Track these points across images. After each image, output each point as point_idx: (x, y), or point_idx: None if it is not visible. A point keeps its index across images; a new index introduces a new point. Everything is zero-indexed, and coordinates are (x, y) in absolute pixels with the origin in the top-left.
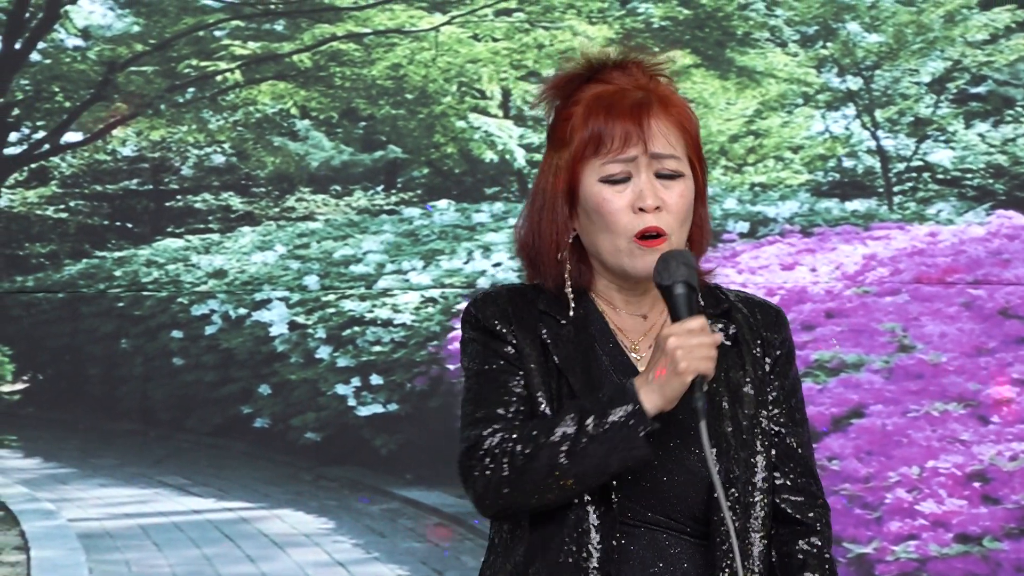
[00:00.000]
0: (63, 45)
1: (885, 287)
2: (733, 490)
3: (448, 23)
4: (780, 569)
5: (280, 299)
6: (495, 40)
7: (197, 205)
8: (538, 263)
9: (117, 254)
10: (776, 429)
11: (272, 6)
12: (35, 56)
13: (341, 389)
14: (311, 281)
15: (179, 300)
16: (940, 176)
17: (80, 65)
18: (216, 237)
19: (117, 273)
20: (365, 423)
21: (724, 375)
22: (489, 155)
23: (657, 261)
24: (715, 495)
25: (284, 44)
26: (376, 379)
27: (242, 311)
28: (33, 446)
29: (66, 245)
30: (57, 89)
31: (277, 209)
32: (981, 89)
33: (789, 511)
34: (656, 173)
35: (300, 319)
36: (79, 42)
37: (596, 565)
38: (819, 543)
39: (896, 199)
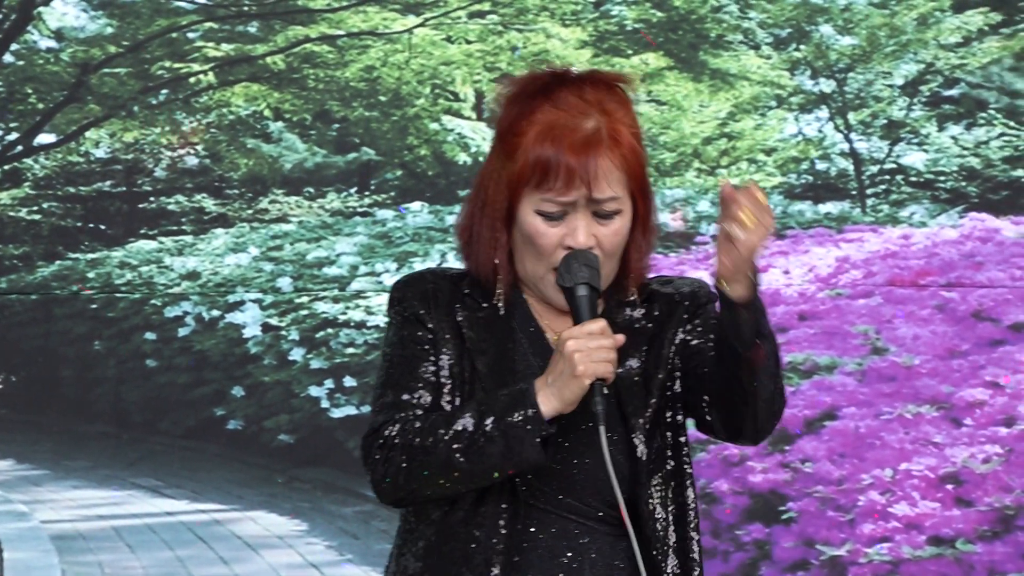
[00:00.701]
0: (36, 47)
1: (858, 289)
2: (649, 473)
3: (421, 25)
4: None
5: (253, 301)
6: (468, 42)
7: (170, 207)
8: (471, 255)
9: (90, 256)
10: (707, 346)
11: (245, 8)
12: (8, 58)
13: (314, 391)
14: (284, 283)
15: (152, 302)
16: (913, 179)
17: (53, 67)
18: (189, 239)
19: (90, 275)
20: (338, 425)
21: (642, 359)
22: (463, 157)
23: (560, 263)
24: (639, 484)
25: (257, 46)
26: (350, 381)
27: (215, 313)
28: (6, 448)
29: (39, 247)
30: (30, 91)
31: (250, 211)
32: (954, 92)
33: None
34: (593, 212)
35: (273, 321)
36: (52, 43)
37: (502, 549)
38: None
39: (869, 202)
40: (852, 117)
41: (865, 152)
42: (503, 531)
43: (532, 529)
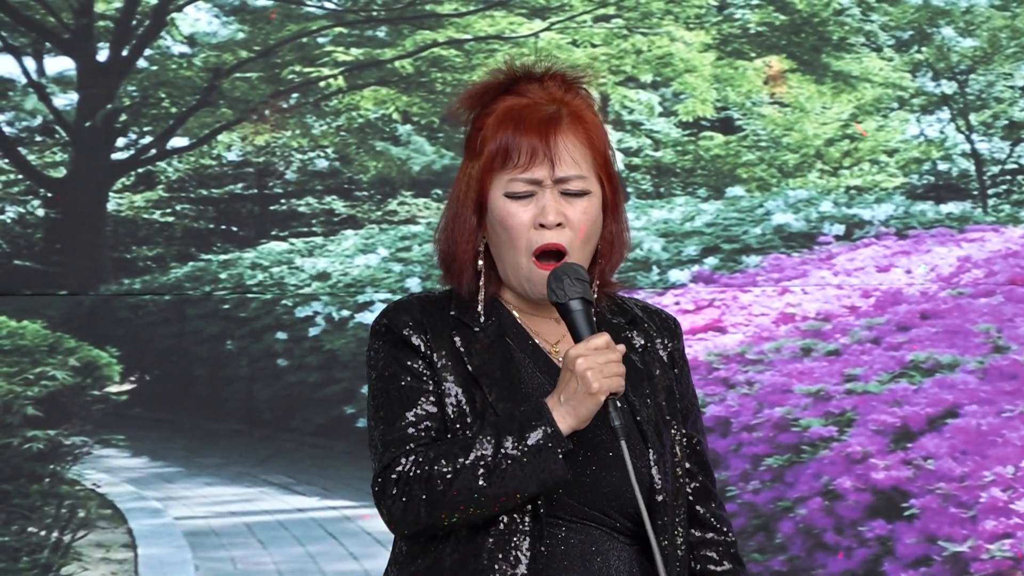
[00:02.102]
0: (169, 52)
1: (979, 288)
2: (663, 495)
3: (547, 29)
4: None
5: (382, 301)
6: (594, 46)
7: (301, 209)
8: (453, 268)
9: (222, 257)
10: (693, 435)
11: (374, 13)
12: (142, 63)
13: None
14: (413, 283)
15: (283, 302)
16: None
17: (186, 71)
18: (319, 240)
19: (222, 276)
20: None
21: (644, 381)
22: None
23: (548, 278)
24: (655, 497)
25: (386, 50)
26: None
27: (345, 313)
28: (140, 445)
29: (172, 248)
30: (163, 95)
31: (379, 212)
32: None
33: (707, 517)
34: (562, 192)
35: None
36: (185, 49)
37: (527, 562)
38: (733, 551)
39: (990, 201)
40: (973, 118)
41: (986, 152)
42: (526, 550)
43: (559, 537)
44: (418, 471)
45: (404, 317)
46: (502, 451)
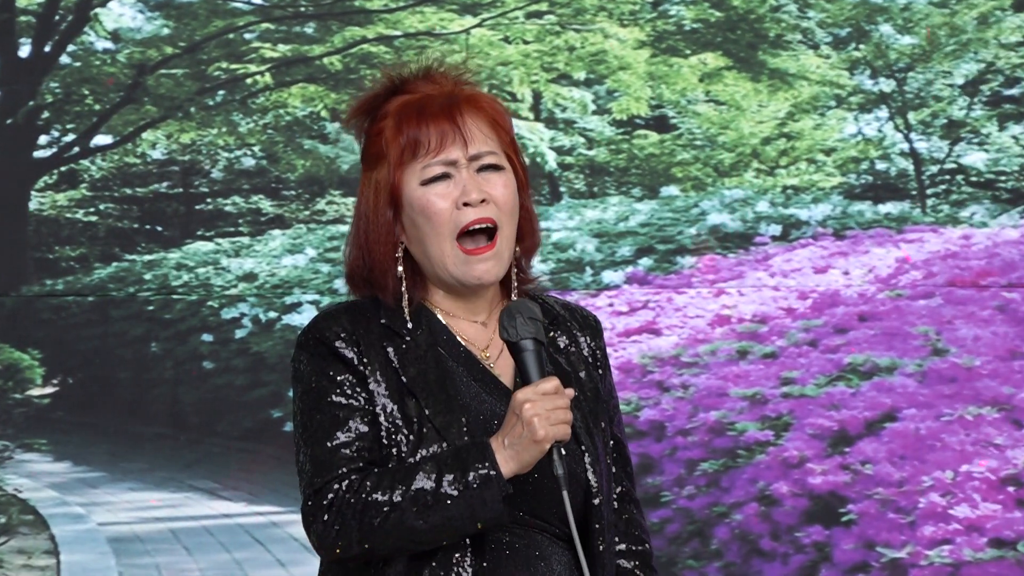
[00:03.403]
0: (93, 48)
1: (918, 290)
2: (599, 498)
3: (479, 26)
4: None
5: (311, 302)
6: (526, 43)
7: (227, 208)
8: (373, 281)
9: (147, 257)
10: (616, 436)
11: (302, 9)
12: (65, 59)
13: None
14: (341, 284)
15: (209, 303)
16: (974, 179)
17: (110, 68)
18: (246, 240)
19: (147, 276)
20: None
21: (572, 384)
22: None
23: (501, 314)
24: (592, 500)
25: (314, 47)
26: None
27: (272, 314)
28: (63, 450)
29: (96, 248)
30: (87, 92)
31: (307, 212)
32: (1015, 91)
33: (628, 526)
34: (477, 168)
35: None
36: (109, 45)
37: (472, 571)
38: (651, 561)
39: (929, 202)
40: (912, 117)
41: (925, 152)
42: (470, 563)
43: (504, 542)
44: (353, 500)
45: (334, 328)
46: (442, 489)
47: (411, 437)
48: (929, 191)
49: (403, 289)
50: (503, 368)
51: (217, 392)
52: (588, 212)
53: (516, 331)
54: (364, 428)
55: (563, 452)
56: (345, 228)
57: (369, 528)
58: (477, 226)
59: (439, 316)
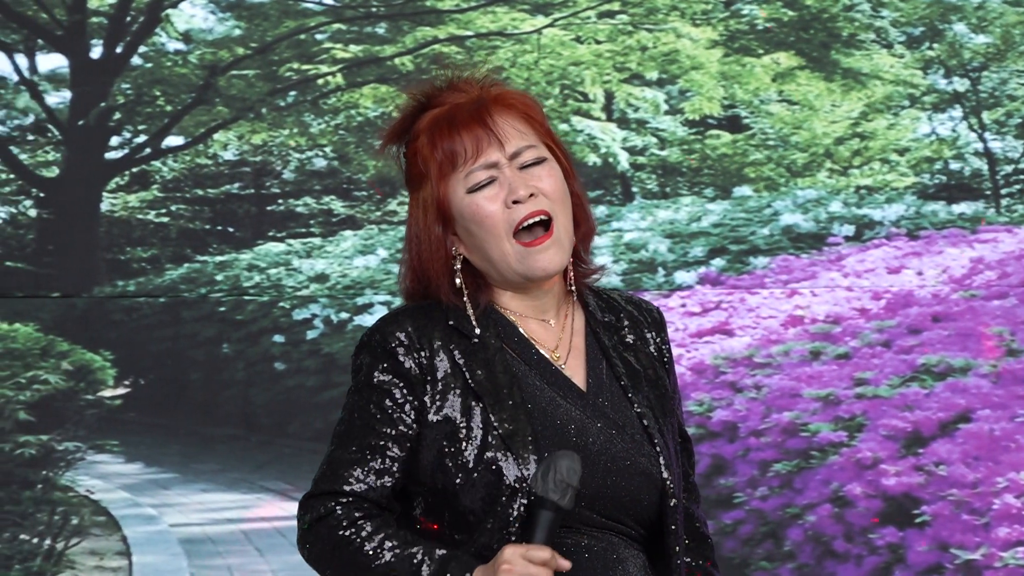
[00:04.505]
0: (164, 49)
1: (992, 290)
2: (675, 500)
3: (550, 25)
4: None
5: (382, 303)
6: (598, 42)
7: (298, 209)
8: (434, 292)
9: (218, 258)
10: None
11: (374, 9)
12: (136, 60)
13: None
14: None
15: (281, 304)
16: None
17: (181, 69)
18: (318, 241)
19: (219, 277)
20: None
21: (642, 382)
22: (592, 158)
23: (541, 464)
24: (668, 502)
25: (386, 47)
26: None
27: (344, 315)
28: (134, 451)
29: (167, 249)
30: (158, 93)
31: (379, 213)
32: None
33: (693, 521)
34: (519, 166)
35: None
36: (180, 46)
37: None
38: (711, 552)
39: (1003, 201)
40: (986, 116)
41: (999, 151)
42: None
43: (582, 545)
44: (340, 531)
45: (397, 332)
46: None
47: (475, 443)
48: (1003, 191)
49: (465, 298)
50: (574, 368)
51: (289, 393)
52: (660, 212)
53: (545, 488)
54: (394, 453)
55: None
56: None
57: (330, 563)
58: (531, 220)
59: (509, 317)
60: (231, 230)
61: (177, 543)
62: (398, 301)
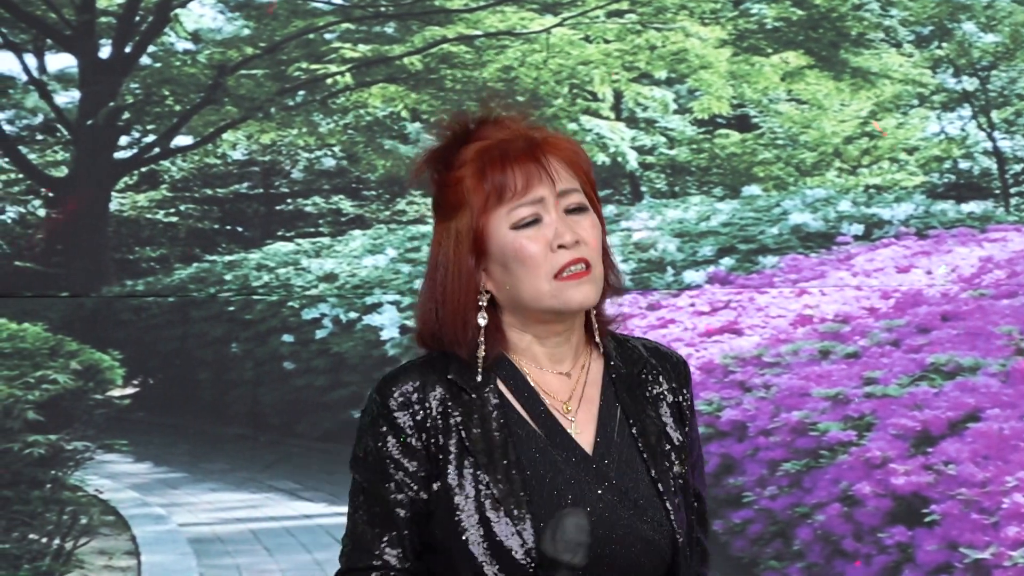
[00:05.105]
0: (173, 48)
1: (1002, 289)
2: (682, 558)
3: (559, 25)
4: None
5: (391, 303)
6: (607, 42)
7: (307, 208)
8: (443, 335)
9: (227, 258)
10: (697, 489)
11: (382, 9)
12: (145, 60)
13: None
14: (421, 284)
15: (289, 304)
16: None
17: (190, 68)
18: (327, 240)
19: (227, 277)
20: None
21: (655, 430)
22: (601, 157)
23: (556, 519)
24: (678, 558)
25: (394, 47)
26: None
27: (353, 315)
28: (143, 451)
29: (176, 249)
30: (167, 93)
31: (388, 212)
32: None
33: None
34: (564, 210)
35: (411, 323)
36: (189, 45)
37: None
38: None
39: (1013, 200)
40: (995, 115)
41: (1009, 150)
42: None
43: None
44: None
45: (395, 392)
46: None
47: (472, 505)
48: (1013, 190)
49: (480, 339)
50: (584, 423)
51: (298, 393)
52: (669, 212)
53: (556, 551)
54: (404, 513)
55: None
56: (425, 228)
57: None
58: (572, 267)
59: (521, 367)
60: (240, 230)
61: (186, 543)
62: (407, 300)
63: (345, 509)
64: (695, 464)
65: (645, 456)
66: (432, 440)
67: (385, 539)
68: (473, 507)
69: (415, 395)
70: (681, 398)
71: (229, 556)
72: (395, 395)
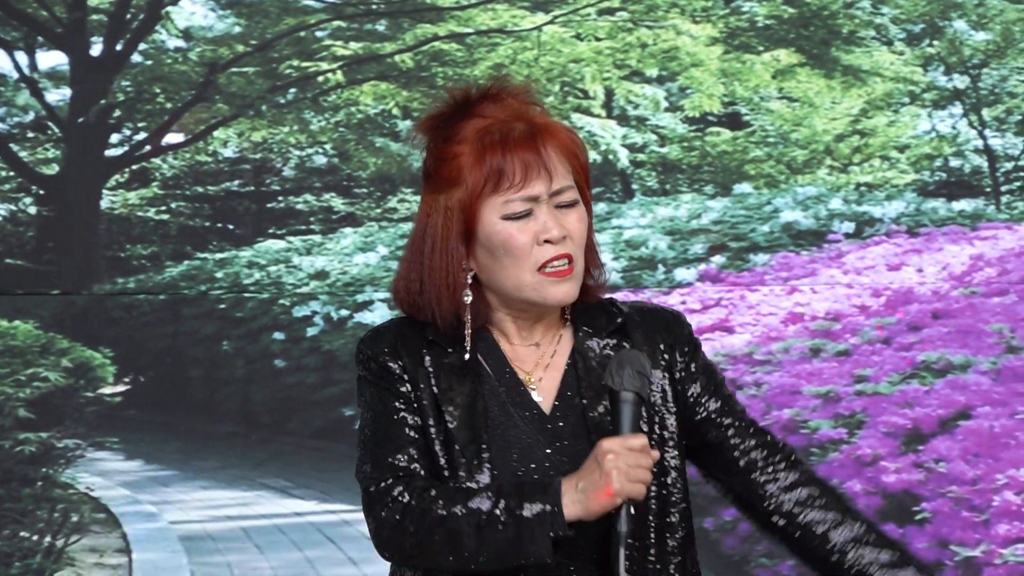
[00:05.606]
0: (164, 46)
1: (992, 288)
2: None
3: (550, 23)
4: (793, 505)
5: (382, 300)
6: (598, 39)
7: (299, 206)
8: (425, 306)
9: (218, 256)
10: (719, 418)
11: (374, 6)
12: (136, 57)
13: None
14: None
15: (281, 302)
16: None
17: (181, 66)
18: (318, 238)
19: (218, 275)
20: None
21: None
22: (592, 155)
23: (611, 363)
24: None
25: (386, 44)
26: None
27: (344, 312)
28: (134, 449)
29: (167, 247)
30: (158, 90)
31: (379, 210)
32: None
33: (772, 458)
34: (556, 206)
35: None
36: (180, 43)
37: None
38: (809, 470)
39: (1003, 199)
40: (986, 113)
41: (999, 149)
42: None
43: None
44: (414, 503)
45: (381, 344)
46: (496, 511)
47: (435, 452)
48: (1003, 188)
49: (467, 318)
50: (545, 391)
51: (289, 390)
52: (660, 210)
53: (621, 381)
54: (418, 439)
55: (632, 511)
56: None
57: (423, 532)
58: (556, 262)
59: (494, 335)
60: (231, 227)
61: (177, 540)
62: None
63: (338, 507)
64: (721, 400)
65: (598, 422)
66: (414, 384)
67: (399, 454)
68: (445, 453)
69: (398, 344)
70: (676, 347)
71: (220, 554)
72: (382, 347)
